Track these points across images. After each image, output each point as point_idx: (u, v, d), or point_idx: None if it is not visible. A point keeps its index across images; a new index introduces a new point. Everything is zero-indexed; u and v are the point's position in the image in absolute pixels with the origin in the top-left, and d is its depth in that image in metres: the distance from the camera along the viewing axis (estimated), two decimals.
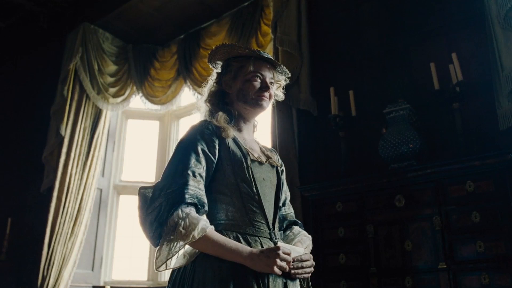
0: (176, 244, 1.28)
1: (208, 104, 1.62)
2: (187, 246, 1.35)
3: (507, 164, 2.21)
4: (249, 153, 1.51)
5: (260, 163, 1.53)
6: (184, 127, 4.79)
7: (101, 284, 4.24)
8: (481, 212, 2.20)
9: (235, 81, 1.59)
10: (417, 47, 2.97)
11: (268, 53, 3.66)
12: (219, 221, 1.45)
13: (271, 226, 1.48)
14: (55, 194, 4.07)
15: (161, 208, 1.31)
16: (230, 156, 1.47)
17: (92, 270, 4.26)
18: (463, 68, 2.58)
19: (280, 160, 1.72)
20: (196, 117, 4.59)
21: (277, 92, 1.68)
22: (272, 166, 1.59)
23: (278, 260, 1.30)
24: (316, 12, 3.54)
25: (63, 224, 3.99)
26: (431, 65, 2.68)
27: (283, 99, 1.74)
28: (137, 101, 4.67)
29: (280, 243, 1.38)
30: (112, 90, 4.51)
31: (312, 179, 3.07)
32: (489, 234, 2.16)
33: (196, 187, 1.36)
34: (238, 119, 1.59)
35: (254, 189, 1.46)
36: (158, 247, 1.31)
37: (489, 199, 2.21)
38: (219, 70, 1.66)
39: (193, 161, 1.40)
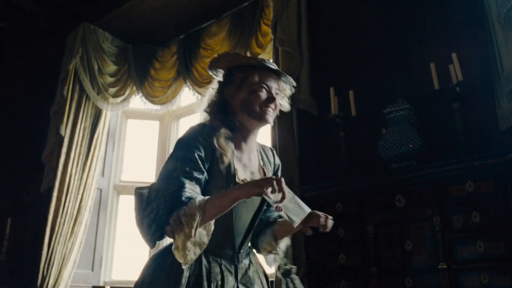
0: (191, 229, 1.25)
1: (208, 114, 1.56)
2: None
3: (507, 164, 2.21)
4: (236, 175, 1.46)
5: None
6: (184, 127, 4.79)
7: (101, 284, 4.24)
8: (481, 212, 2.20)
9: (239, 91, 1.52)
10: (417, 47, 2.97)
11: (268, 53, 3.70)
12: None
13: (237, 249, 1.48)
14: (55, 194, 4.06)
15: (159, 211, 1.30)
16: (216, 175, 1.44)
17: (92, 270, 4.26)
18: (463, 68, 2.58)
19: (276, 160, 1.69)
20: (197, 117, 4.60)
21: (282, 102, 1.61)
22: None
23: (267, 181, 1.25)
24: (316, 12, 3.54)
25: (63, 224, 3.98)
26: (431, 65, 2.68)
27: (289, 109, 1.68)
28: (137, 101, 4.67)
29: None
30: (112, 90, 4.51)
31: (312, 179, 3.07)
32: (489, 234, 2.16)
33: (193, 190, 1.35)
34: (240, 130, 1.53)
35: (230, 211, 1.41)
36: (173, 245, 1.29)
37: (489, 199, 2.20)
38: (220, 79, 1.60)
39: (189, 165, 1.37)
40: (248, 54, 3.84)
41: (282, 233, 1.60)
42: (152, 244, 1.34)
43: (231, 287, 1.41)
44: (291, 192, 1.34)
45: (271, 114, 1.53)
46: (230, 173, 1.45)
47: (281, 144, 3.20)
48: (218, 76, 1.61)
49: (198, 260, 1.38)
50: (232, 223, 1.46)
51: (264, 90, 1.51)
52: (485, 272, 2.12)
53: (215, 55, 1.58)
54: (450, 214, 2.29)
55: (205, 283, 1.35)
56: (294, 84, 1.63)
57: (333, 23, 3.46)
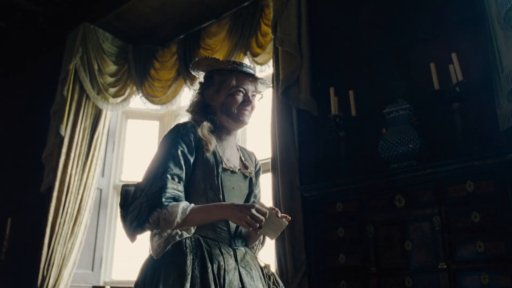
0: (165, 234, 1.40)
1: (191, 113, 1.67)
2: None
3: (507, 164, 2.21)
4: (223, 162, 1.56)
5: (232, 172, 1.59)
6: None
7: (101, 284, 4.24)
8: (481, 212, 2.20)
9: (218, 94, 1.63)
10: (417, 47, 2.97)
11: (268, 53, 3.70)
12: None
13: (232, 233, 1.55)
14: (55, 194, 4.06)
15: (141, 208, 1.41)
16: (204, 163, 1.53)
17: (92, 270, 4.26)
18: (463, 68, 2.58)
19: (258, 164, 1.78)
20: None
21: (258, 103, 1.74)
22: (245, 176, 1.65)
23: (248, 217, 1.34)
24: (316, 12, 3.54)
25: (63, 224, 3.98)
26: (431, 65, 2.68)
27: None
28: (137, 101, 4.67)
29: (257, 205, 1.40)
30: (112, 90, 4.51)
31: (312, 179, 3.07)
32: (489, 234, 2.17)
33: (175, 189, 1.45)
34: (220, 129, 1.64)
35: (221, 196, 1.53)
36: (151, 241, 1.43)
37: (489, 199, 2.21)
38: (201, 80, 1.70)
39: (172, 163, 1.47)
40: (248, 54, 3.85)
41: (251, 240, 1.67)
42: (132, 238, 1.45)
43: (232, 268, 1.46)
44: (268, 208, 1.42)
45: (248, 115, 1.65)
46: (217, 160, 1.55)
47: (281, 144, 3.20)
48: (200, 77, 1.72)
49: (198, 244, 1.45)
50: None
51: (241, 93, 1.62)
52: (485, 272, 2.13)
53: (196, 59, 1.69)
54: (450, 214, 2.29)
55: (209, 264, 1.41)
56: (270, 85, 1.74)
57: (333, 23, 3.46)
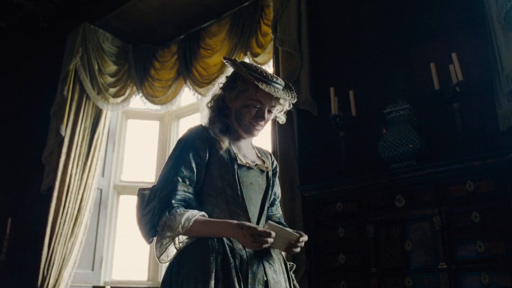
0: (167, 240, 1.44)
1: (209, 109, 1.67)
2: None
3: (507, 164, 2.21)
4: (237, 158, 1.58)
5: (249, 168, 1.60)
6: (184, 127, 4.79)
7: (101, 284, 4.24)
8: (481, 212, 2.20)
9: (236, 100, 1.61)
10: (417, 47, 2.97)
11: (268, 53, 3.70)
12: None
13: None
14: (55, 194, 4.07)
15: (154, 211, 1.46)
16: (219, 161, 1.55)
17: (92, 270, 4.26)
18: (463, 68, 2.58)
19: (274, 162, 1.78)
20: (197, 117, 4.61)
21: (279, 115, 1.71)
22: (262, 171, 1.65)
23: (251, 241, 1.38)
24: (316, 12, 3.54)
25: (63, 224, 3.99)
26: (431, 65, 2.68)
27: (284, 122, 1.76)
28: (137, 101, 4.67)
29: (260, 228, 1.43)
30: (112, 90, 4.52)
31: (312, 179, 3.07)
32: (489, 234, 2.16)
33: (185, 191, 1.49)
34: (233, 132, 1.65)
35: (239, 192, 1.54)
36: (155, 244, 1.48)
37: (489, 199, 2.20)
38: (228, 74, 1.69)
39: (183, 166, 1.51)
40: (248, 54, 3.85)
41: None
42: (148, 240, 1.50)
43: (256, 261, 1.48)
44: (277, 226, 1.47)
45: (259, 130, 1.64)
46: (231, 157, 1.57)
47: (281, 144, 3.20)
48: (228, 71, 1.71)
49: (220, 240, 1.46)
50: (244, 204, 1.55)
51: (257, 107, 1.59)
52: (485, 272, 2.12)
53: (226, 57, 1.68)
54: (450, 214, 2.29)
55: (231, 260, 1.43)
56: (295, 100, 1.67)
57: (333, 23, 3.46)
